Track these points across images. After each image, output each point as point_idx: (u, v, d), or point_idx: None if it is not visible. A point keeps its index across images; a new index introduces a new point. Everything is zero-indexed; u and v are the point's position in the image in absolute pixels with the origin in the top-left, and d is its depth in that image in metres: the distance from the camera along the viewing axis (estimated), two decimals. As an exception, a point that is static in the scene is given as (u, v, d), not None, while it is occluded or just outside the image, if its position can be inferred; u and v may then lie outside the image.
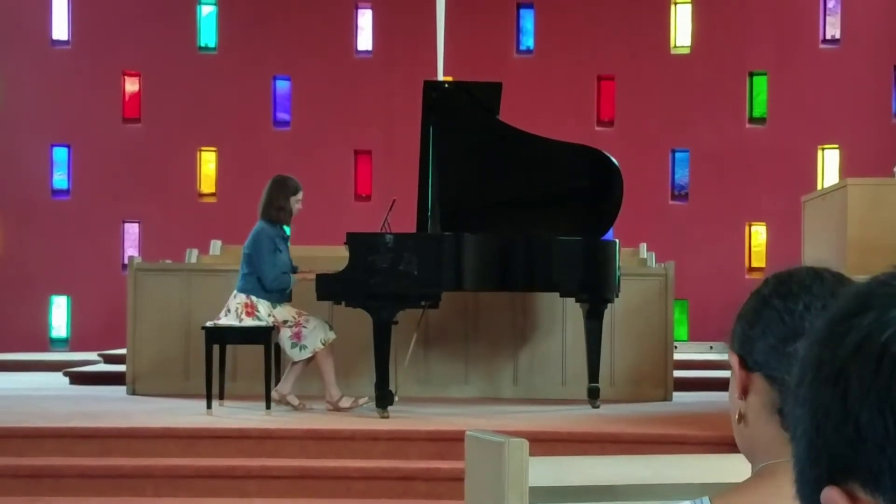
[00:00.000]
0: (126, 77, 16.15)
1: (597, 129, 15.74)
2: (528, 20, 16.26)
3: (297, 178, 9.12)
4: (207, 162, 16.24)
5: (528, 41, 16.26)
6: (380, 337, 8.47)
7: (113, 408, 9.05)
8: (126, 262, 11.75)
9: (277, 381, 9.01)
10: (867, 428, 0.86)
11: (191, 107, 15.86)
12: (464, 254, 8.50)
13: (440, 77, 10.75)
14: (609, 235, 9.34)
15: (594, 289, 8.96)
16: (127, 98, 16.17)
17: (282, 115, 16.25)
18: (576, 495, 3.43)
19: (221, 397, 8.94)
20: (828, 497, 0.88)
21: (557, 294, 9.26)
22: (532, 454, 3.44)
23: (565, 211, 9.21)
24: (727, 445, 6.73)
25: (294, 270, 8.94)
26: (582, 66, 15.83)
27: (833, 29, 15.46)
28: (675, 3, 15.98)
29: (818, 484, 0.89)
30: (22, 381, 11.75)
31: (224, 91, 15.89)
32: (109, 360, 12.33)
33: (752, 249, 15.71)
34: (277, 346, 8.92)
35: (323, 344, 8.79)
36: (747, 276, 15.38)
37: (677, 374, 10.21)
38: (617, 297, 9.19)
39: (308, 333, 8.79)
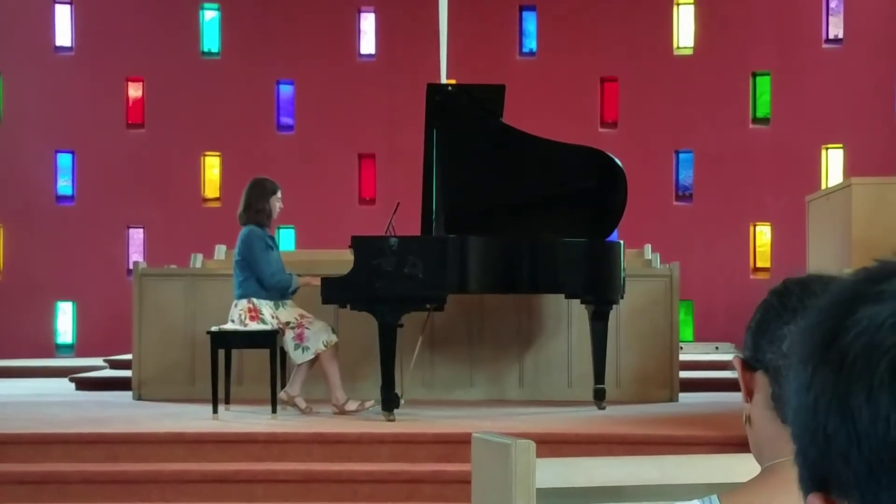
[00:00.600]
0: (129, 83, 16.16)
1: (600, 130, 15.73)
2: (530, 22, 16.26)
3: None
4: (211, 167, 16.25)
5: (530, 43, 16.26)
6: (385, 340, 8.47)
7: (119, 413, 9.06)
8: (131, 267, 11.78)
9: (283, 384, 9.00)
10: (833, 437, 0.84)
11: (194, 112, 15.87)
12: (468, 256, 8.49)
13: (443, 80, 10.77)
14: (614, 237, 9.33)
15: (599, 290, 8.95)
16: (130, 103, 16.18)
17: (285, 120, 16.25)
18: (583, 497, 3.42)
19: (227, 402, 8.95)
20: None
21: (562, 296, 9.27)
22: (539, 456, 3.44)
23: (569, 213, 9.21)
24: (734, 446, 6.73)
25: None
26: (584, 67, 15.82)
27: (836, 29, 15.46)
28: (678, 4, 15.98)
29: (805, 487, 0.89)
30: (27, 387, 11.75)
31: (227, 96, 15.89)
32: (115, 365, 12.32)
33: (757, 250, 15.70)
34: (283, 350, 8.91)
35: (325, 345, 8.78)
36: (752, 277, 15.38)
37: (683, 374, 10.20)
38: (622, 298, 9.19)
39: (311, 335, 8.78)
